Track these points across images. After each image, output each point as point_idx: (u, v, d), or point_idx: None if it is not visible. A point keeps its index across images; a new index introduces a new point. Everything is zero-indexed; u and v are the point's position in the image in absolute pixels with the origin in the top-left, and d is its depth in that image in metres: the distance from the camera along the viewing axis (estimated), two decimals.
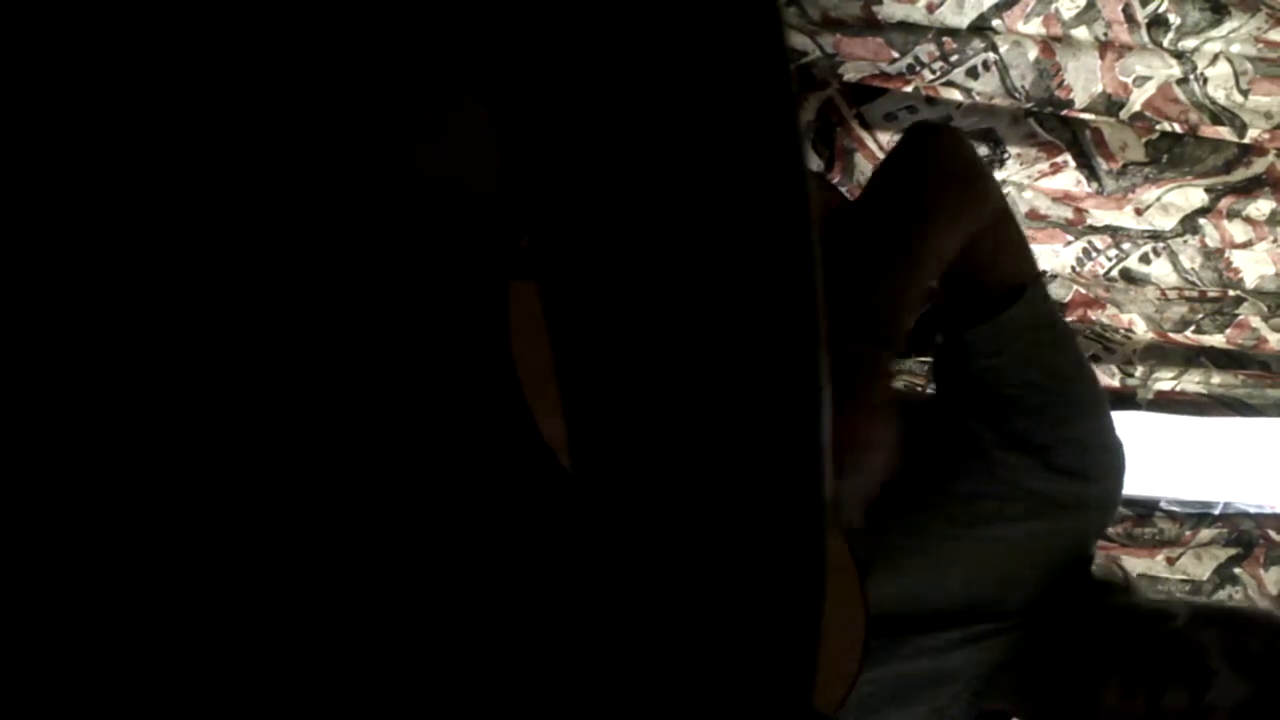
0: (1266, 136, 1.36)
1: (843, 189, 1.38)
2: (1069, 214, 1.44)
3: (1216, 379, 1.57)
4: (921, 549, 0.85)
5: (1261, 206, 1.42)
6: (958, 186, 0.81)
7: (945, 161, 0.82)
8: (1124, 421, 1.52)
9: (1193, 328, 1.54)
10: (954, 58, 1.29)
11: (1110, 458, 0.88)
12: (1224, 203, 1.42)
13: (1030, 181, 1.39)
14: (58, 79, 0.48)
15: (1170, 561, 1.66)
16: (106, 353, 0.48)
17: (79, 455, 0.48)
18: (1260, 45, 1.30)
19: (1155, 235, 1.46)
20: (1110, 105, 1.32)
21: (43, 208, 0.48)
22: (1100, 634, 0.84)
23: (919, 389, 1.56)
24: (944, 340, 0.88)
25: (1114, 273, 1.50)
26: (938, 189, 0.80)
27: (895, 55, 1.28)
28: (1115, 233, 1.46)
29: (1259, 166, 1.40)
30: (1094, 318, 1.55)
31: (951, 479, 0.86)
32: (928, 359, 1.52)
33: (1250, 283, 1.51)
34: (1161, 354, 1.57)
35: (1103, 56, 1.29)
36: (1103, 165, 1.38)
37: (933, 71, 1.30)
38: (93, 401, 0.48)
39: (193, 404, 0.50)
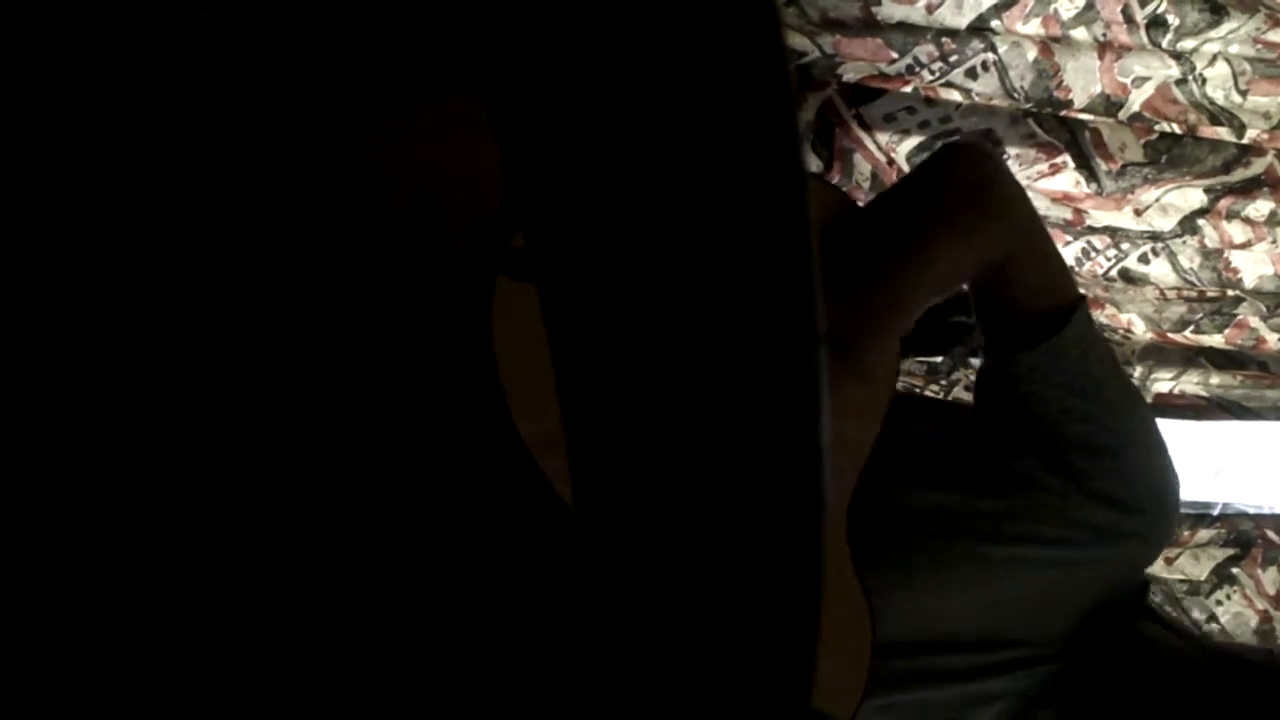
0: (1265, 137, 1.36)
1: (841, 188, 1.38)
2: (1068, 215, 1.44)
3: (1215, 379, 1.57)
4: (949, 570, 0.82)
5: (1260, 207, 1.42)
6: (972, 205, 0.76)
7: (965, 178, 0.78)
8: None
9: (1192, 328, 1.55)
10: (953, 58, 1.29)
11: (1157, 488, 0.84)
12: (1223, 203, 1.42)
13: (1029, 182, 1.40)
14: (49, 84, 0.48)
15: (1168, 562, 1.66)
16: (94, 356, 0.48)
17: (77, 459, 0.48)
18: (1259, 46, 1.30)
19: (1154, 236, 1.46)
20: (1109, 106, 1.33)
21: (38, 211, 0.48)
22: (1158, 680, 0.79)
23: (916, 389, 1.56)
24: (987, 362, 0.85)
25: (1113, 273, 1.51)
26: (947, 205, 0.76)
27: (894, 56, 1.28)
28: (1114, 233, 1.46)
29: (1258, 167, 1.40)
30: (1093, 318, 1.55)
31: (985, 500, 0.83)
32: (927, 359, 1.52)
33: (1249, 283, 1.51)
34: (1160, 354, 1.57)
35: (1101, 57, 1.29)
36: (1102, 166, 1.38)
37: (932, 72, 1.30)
38: (84, 407, 0.48)
39: (176, 409, 0.50)
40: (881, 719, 0.81)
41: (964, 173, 0.78)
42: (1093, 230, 1.46)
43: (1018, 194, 0.80)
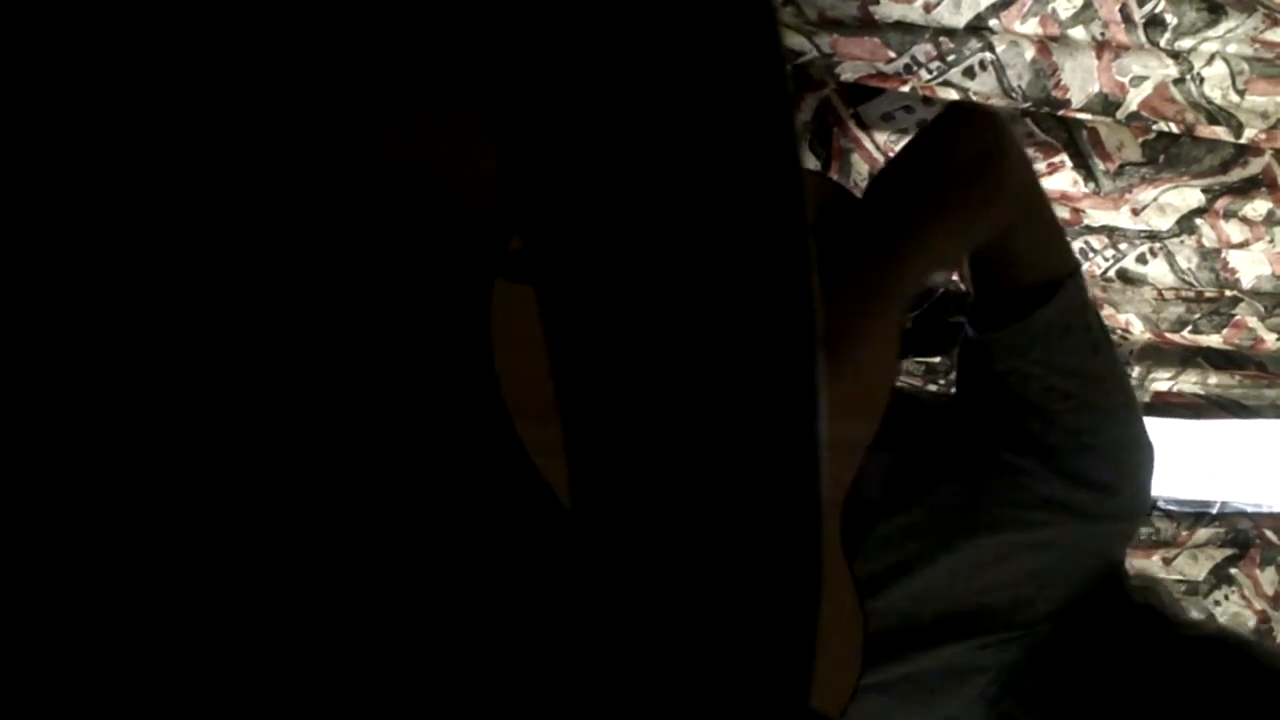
0: (1263, 137, 1.36)
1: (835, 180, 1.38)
2: (1066, 214, 1.44)
3: (1213, 379, 1.57)
4: (932, 553, 0.82)
5: (1258, 207, 1.43)
6: (973, 184, 0.74)
7: (967, 153, 0.75)
8: None
9: (1189, 328, 1.55)
10: (951, 57, 1.29)
11: (1136, 468, 0.84)
12: (1220, 203, 1.42)
13: None
14: (49, 81, 0.48)
15: (1166, 561, 1.66)
16: (88, 355, 0.48)
17: (68, 456, 0.48)
18: (1257, 45, 1.30)
19: (1152, 235, 1.46)
20: (1107, 105, 1.33)
21: (35, 210, 0.48)
22: (1144, 657, 0.80)
23: (914, 387, 1.56)
24: (970, 336, 0.83)
25: (1111, 273, 1.51)
26: (946, 184, 0.73)
27: (892, 55, 1.28)
28: (1112, 233, 1.46)
29: (1255, 167, 1.40)
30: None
31: (967, 482, 0.83)
32: (926, 359, 1.52)
33: (1247, 283, 1.51)
34: (1158, 354, 1.58)
35: (1099, 56, 1.29)
36: (1099, 165, 1.39)
37: (930, 71, 1.30)
38: (79, 404, 0.48)
39: (172, 408, 0.50)
40: (868, 696, 0.82)
41: (966, 146, 0.75)
42: (1090, 230, 1.46)
43: (1020, 164, 0.77)
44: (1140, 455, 0.84)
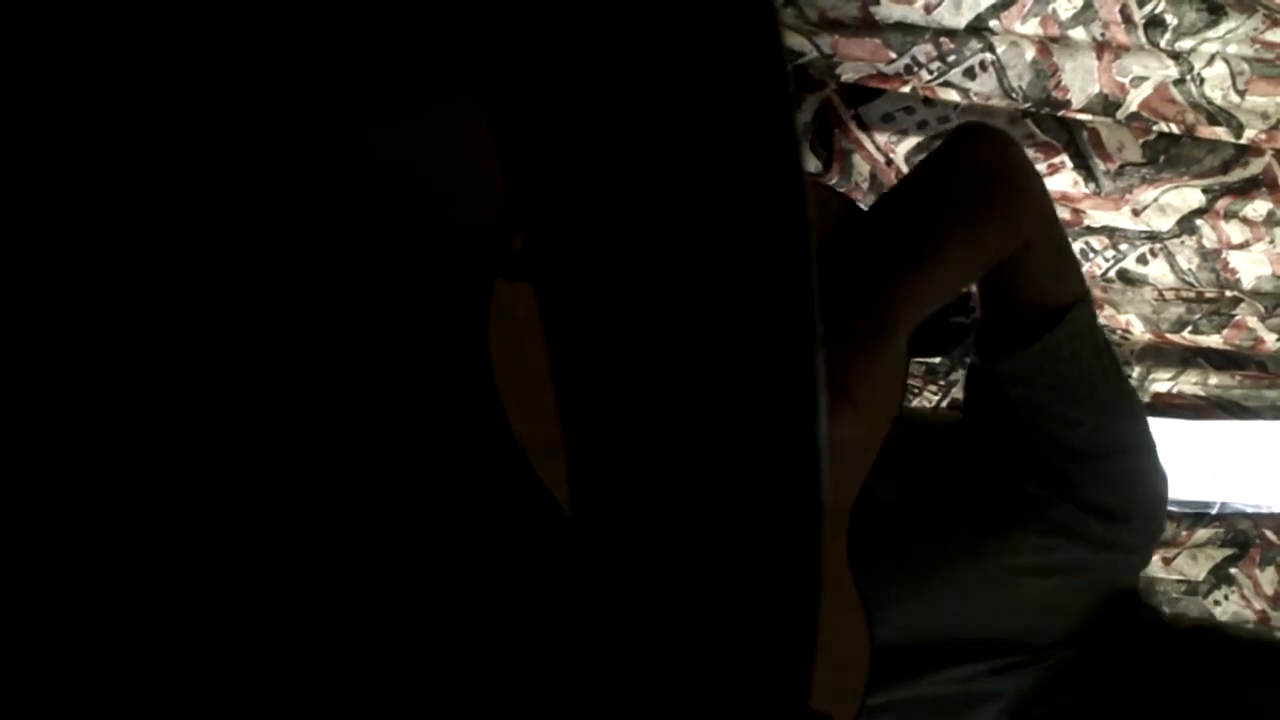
0: (1263, 137, 1.36)
1: (840, 189, 1.38)
2: (1066, 215, 1.44)
3: (1214, 379, 1.57)
4: (946, 577, 0.82)
5: (1258, 207, 1.43)
6: (989, 195, 0.73)
7: (982, 166, 0.74)
8: None
9: (1190, 328, 1.55)
10: (951, 58, 1.29)
11: (1146, 497, 0.83)
12: (1221, 203, 1.42)
13: None
14: (49, 81, 0.48)
15: (1166, 562, 1.66)
16: (88, 356, 0.48)
17: (74, 458, 0.48)
18: (1257, 46, 1.30)
19: (1152, 236, 1.46)
20: (1107, 106, 1.33)
21: (36, 210, 0.48)
22: (1162, 681, 0.79)
23: (915, 390, 1.56)
24: (978, 363, 0.83)
25: (1111, 273, 1.51)
26: (964, 194, 0.73)
27: (893, 56, 1.28)
28: (1112, 233, 1.46)
29: (1256, 167, 1.40)
30: (1095, 315, 1.55)
31: (979, 507, 0.83)
32: (926, 359, 1.52)
33: (1247, 283, 1.51)
34: (1159, 354, 1.57)
35: (1099, 57, 1.29)
36: (1100, 166, 1.38)
37: (930, 72, 1.30)
38: (81, 405, 0.48)
39: (173, 409, 0.50)
40: (881, 718, 0.82)
41: (981, 164, 0.75)
42: (1091, 230, 1.46)
43: (1035, 183, 0.77)
44: (1151, 483, 0.83)
